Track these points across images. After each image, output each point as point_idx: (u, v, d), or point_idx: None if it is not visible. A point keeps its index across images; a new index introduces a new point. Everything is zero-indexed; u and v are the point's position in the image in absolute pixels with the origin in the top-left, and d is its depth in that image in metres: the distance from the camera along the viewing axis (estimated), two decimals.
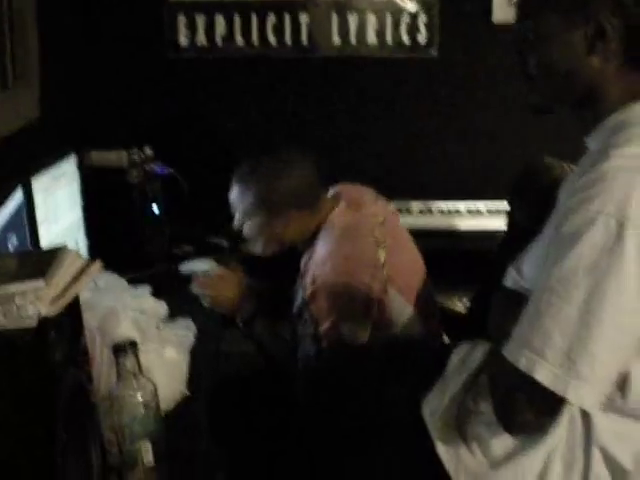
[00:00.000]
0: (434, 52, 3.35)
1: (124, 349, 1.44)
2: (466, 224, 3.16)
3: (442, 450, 1.55)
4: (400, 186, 3.12)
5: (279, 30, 3.29)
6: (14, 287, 0.96)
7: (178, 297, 2.26)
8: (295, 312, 2.21)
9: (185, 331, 1.86)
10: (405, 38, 3.32)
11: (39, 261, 1.07)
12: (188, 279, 2.46)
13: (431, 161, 3.40)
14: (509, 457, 1.49)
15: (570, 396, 1.28)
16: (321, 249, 2.14)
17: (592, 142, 1.48)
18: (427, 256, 2.39)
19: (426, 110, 3.42)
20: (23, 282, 0.98)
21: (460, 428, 1.58)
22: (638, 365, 1.36)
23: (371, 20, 3.29)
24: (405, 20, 3.30)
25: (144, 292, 2.06)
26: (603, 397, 1.33)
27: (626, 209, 1.24)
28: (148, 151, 2.77)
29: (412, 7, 3.28)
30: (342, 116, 3.42)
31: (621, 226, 1.24)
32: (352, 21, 3.29)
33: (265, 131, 3.41)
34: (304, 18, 3.27)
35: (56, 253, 1.10)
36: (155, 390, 1.48)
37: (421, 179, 3.37)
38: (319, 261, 2.11)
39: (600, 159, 1.32)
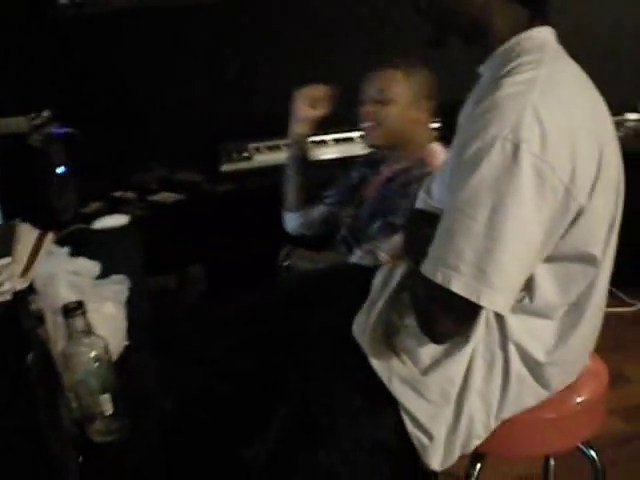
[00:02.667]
0: None
1: (73, 310, 1.52)
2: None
3: (375, 363, 1.69)
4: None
5: None
6: None
7: (98, 255, 2.32)
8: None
9: (119, 286, 1.94)
10: None
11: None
12: (104, 235, 2.54)
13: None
14: (436, 363, 1.64)
15: (484, 302, 1.42)
16: (438, 158, 2.39)
17: (485, 71, 1.61)
18: None
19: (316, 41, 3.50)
20: None
21: (389, 342, 1.73)
22: (540, 270, 1.53)
23: None
24: None
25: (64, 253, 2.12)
26: (513, 301, 1.48)
27: (519, 131, 1.37)
28: (46, 113, 2.78)
29: None
30: (232, 58, 3.47)
31: (516, 147, 1.37)
32: None
33: (155, 81, 3.44)
34: None
35: (10, 228, 1.17)
36: (106, 345, 1.56)
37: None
38: (437, 162, 2.36)
39: (493, 88, 1.45)
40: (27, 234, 1.15)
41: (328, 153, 3.32)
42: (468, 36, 1.61)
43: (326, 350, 1.85)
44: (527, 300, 1.56)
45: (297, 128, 2.68)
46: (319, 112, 2.65)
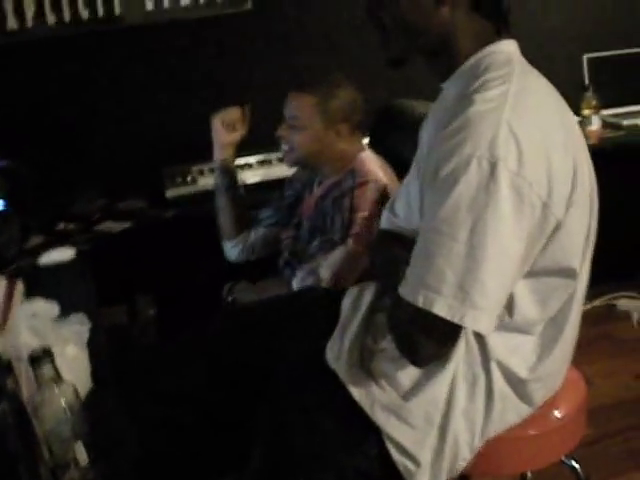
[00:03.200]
0: (248, 5, 3.38)
1: (40, 358, 1.44)
2: None
3: (354, 391, 1.65)
4: None
5: (86, 5, 3.21)
6: None
7: (49, 292, 2.24)
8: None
9: (79, 326, 1.86)
10: None
11: None
12: (52, 271, 2.45)
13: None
14: (417, 387, 1.61)
15: (468, 324, 1.40)
16: (369, 165, 2.40)
17: (450, 87, 1.59)
18: None
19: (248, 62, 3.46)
20: None
21: (366, 367, 1.69)
22: (519, 286, 1.51)
23: None
24: None
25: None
26: (496, 320, 1.45)
27: (495, 149, 1.35)
28: None
29: None
30: (170, 81, 3.40)
31: (493, 165, 1.35)
32: None
33: (90, 108, 3.35)
34: None
35: None
36: (76, 391, 1.49)
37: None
38: (369, 168, 2.38)
39: (464, 105, 1.43)
40: None
41: (254, 176, 3.27)
42: (432, 53, 1.59)
43: (299, 379, 1.80)
44: (507, 317, 1.54)
45: (220, 154, 2.64)
46: (238, 134, 2.61)
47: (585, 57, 3.76)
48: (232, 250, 2.70)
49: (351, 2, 3.51)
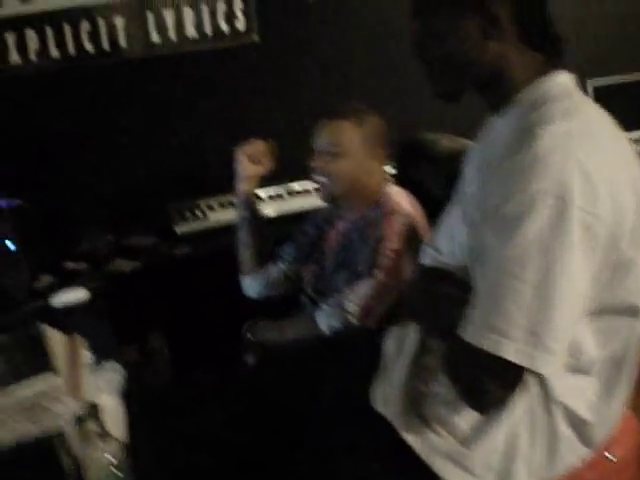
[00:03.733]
0: (255, 37, 3.33)
1: (86, 413, 1.37)
2: None
3: (408, 437, 1.59)
4: None
5: (90, 39, 3.15)
6: (30, 388, 0.88)
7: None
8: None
9: (113, 374, 1.77)
10: (224, 27, 3.28)
11: (25, 345, 0.98)
12: (66, 312, 2.37)
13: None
14: (476, 432, 1.54)
15: (540, 368, 1.34)
16: (396, 198, 2.37)
17: (503, 120, 1.54)
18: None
19: (255, 95, 3.41)
20: (36, 379, 0.90)
21: (419, 412, 1.62)
22: (582, 325, 1.45)
23: (187, 13, 3.22)
24: (221, 8, 3.25)
25: None
26: (564, 361, 1.40)
27: (564, 185, 1.30)
28: None
29: None
30: (176, 115, 3.34)
31: (563, 202, 1.29)
32: (168, 17, 3.20)
33: (97, 143, 3.27)
34: (119, 21, 3.15)
35: (34, 335, 1.02)
36: (122, 446, 1.42)
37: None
38: (396, 201, 2.35)
39: (528, 139, 1.37)
40: (56, 339, 1.00)
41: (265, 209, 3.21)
42: (483, 86, 1.55)
43: (344, 422, 1.73)
44: (571, 357, 1.48)
45: (243, 186, 2.60)
46: (263, 168, 2.59)
47: (590, 83, 3.74)
48: (252, 286, 2.64)
49: (361, 33, 3.49)
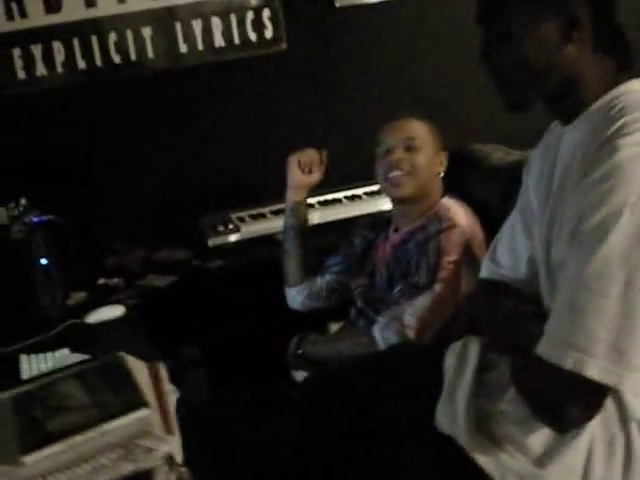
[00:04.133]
0: (283, 45, 3.28)
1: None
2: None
3: (480, 458, 1.52)
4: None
5: (117, 50, 3.10)
6: (126, 425, 0.83)
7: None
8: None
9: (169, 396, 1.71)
10: (252, 36, 3.23)
11: (108, 379, 0.93)
12: (103, 330, 2.32)
13: None
14: (551, 452, 1.48)
15: (627, 387, 1.29)
16: (454, 209, 2.31)
17: (576, 130, 1.48)
18: None
19: (287, 104, 3.35)
20: (130, 416, 0.84)
21: (487, 432, 1.56)
22: None
23: (215, 23, 3.17)
24: (249, 17, 3.21)
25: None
26: None
27: None
28: (23, 201, 2.54)
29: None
30: (205, 126, 3.29)
31: None
32: (196, 27, 3.15)
33: (127, 156, 3.22)
34: (147, 32, 3.10)
35: (116, 365, 0.96)
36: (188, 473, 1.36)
37: None
38: (454, 213, 2.29)
39: (609, 150, 1.32)
40: (138, 369, 0.95)
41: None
42: (556, 95, 1.49)
43: (407, 444, 1.67)
44: None
45: (293, 195, 2.56)
46: (314, 177, 2.55)
47: None
48: (297, 297, 2.60)
49: (392, 38, 3.43)
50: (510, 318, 1.59)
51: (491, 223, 2.19)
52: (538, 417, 1.41)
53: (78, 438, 0.94)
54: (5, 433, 1.08)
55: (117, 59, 3.10)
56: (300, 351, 2.44)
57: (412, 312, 2.18)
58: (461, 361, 1.72)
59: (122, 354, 1.04)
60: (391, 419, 1.74)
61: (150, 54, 3.13)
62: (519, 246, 1.68)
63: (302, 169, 2.53)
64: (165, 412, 0.92)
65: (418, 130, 2.35)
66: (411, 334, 2.15)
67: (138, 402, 0.87)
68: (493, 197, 2.37)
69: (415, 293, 2.22)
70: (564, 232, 1.39)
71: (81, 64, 3.07)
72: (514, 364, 1.52)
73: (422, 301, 2.18)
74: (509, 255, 1.72)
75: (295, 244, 2.55)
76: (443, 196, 2.40)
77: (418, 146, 2.32)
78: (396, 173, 2.33)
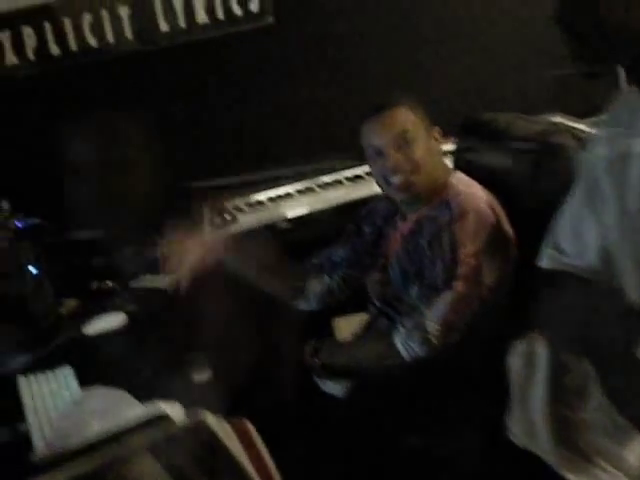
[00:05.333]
0: (270, 19, 3.06)
1: None
2: None
3: (571, 477, 1.37)
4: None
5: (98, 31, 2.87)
6: None
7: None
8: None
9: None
10: (237, 10, 3.00)
11: (195, 456, 0.72)
12: (104, 342, 2.17)
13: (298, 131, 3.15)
14: None
15: None
16: (465, 192, 2.10)
17: None
18: None
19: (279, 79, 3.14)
20: None
21: (572, 443, 1.40)
22: None
23: None
24: None
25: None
26: None
27: None
28: (6, 206, 2.31)
29: None
30: (190, 110, 3.07)
31: None
32: (177, 3, 2.92)
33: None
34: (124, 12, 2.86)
35: (196, 430, 0.76)
36: None
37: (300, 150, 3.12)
38: (465, 196, 2.08)
39: None
40: (225, 434, 0.75)
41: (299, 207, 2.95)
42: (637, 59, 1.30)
43: (476, 459, 1.51)
44: None
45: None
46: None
47: None
48: (305, 305, 2.42)
49: (384, 11, 3.23)
50: (587, 315, 1.41)
51: (518, 203, 2.01)
52: (637, 427, 1.25)
53: None
54: None
55: (93, 42, 2.84)
56: (317, 361, 2.22)
57: (433, 317, 2.01)
58: (529, 363, 1.55)
59: (198, 411, 0.83)
60: (454, 431, 1.58)
61: (129, 35, 2.88)
62: (587, 233, 1.51)
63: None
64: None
65: (405, 120, 2.12)
66: (435, 341, 1.97)
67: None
68: (520, 174, 2.17)
69: (435, 295, 2.05)
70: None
71: (54, 50, 2.81)
72: (600, 368, 1.36)
73: (442, 303, 2.01)
74: (574, 242, 1.54)
75: (267, 279, 2.29)
76: (451, 173, 2.20)
77: (410, 139, 2.10)
78: (398, 178, 2.11)
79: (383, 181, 2.16)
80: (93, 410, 1.37)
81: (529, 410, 1.47)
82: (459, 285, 2.01)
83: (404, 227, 2.21)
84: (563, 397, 1.46)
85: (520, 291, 1.92)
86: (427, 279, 2.09)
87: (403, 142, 2.10)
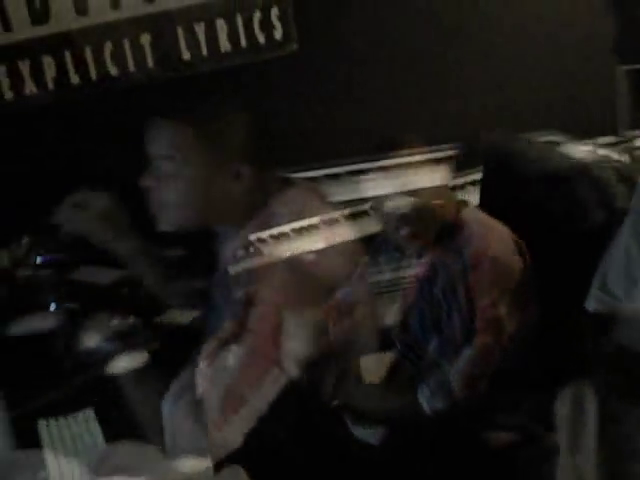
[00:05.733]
0: (294, 46, 3.01)
1: None
2: None
3: None
4: None
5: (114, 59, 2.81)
6: None
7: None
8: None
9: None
10: (260, 38, 2.95)
11: None
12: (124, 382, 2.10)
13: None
14: None
15: None
16: (478, 233, 2.00)
17: None
18: None
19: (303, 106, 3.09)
20: None
21: None
22: None
23: (221, 25, 2.89)
24: (257, 18, 2.93)
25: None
26: None
27: None
28: (25, 241, 2.25)
29: None
30: None
31: None
32: (199, 31, 2.87)
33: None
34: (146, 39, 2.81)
35: None
36: None
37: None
38: (480, 238, 1.98)
39: None
40: None
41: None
42: None
43: None
44: None
45: None
46: None
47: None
48: None
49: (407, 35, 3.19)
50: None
51: (553, 240, 1.92)
52: None
53: None
54: None
55: (114, 71, 2.79)
56: (337, 402, 2.12)
57: (457, 375, 1.96)
58: (577, 412, 1.48)
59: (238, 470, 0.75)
60: None
61: (150, 63, 2.83)
62: (638, 273, 1.43)
63: None
64: None
65: (411, 172, 2.04)
66: (461, 396, 1.90)
67: None
68: (555, 210, 2.08)
69: (454, 351, 2.00)
70: None
71: (74, 79, 2.75)
72: None
73: (465, 361, 1.95)
74: (624, 282, 1.48)
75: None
76: (461, 205, 2.11)
77: (418, 190, 2.02)
78: (407, 230, 2.04)
79: (392, 232, 2.12)
80: (117, 466, 1.32)
81: (579, 459, 1.40)
82: (480, 340, 1.94)
83: (418, 269, 2.13)
84: (613, 447, 1.39)
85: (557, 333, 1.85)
86: (445, 332, 2.03)
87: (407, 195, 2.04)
